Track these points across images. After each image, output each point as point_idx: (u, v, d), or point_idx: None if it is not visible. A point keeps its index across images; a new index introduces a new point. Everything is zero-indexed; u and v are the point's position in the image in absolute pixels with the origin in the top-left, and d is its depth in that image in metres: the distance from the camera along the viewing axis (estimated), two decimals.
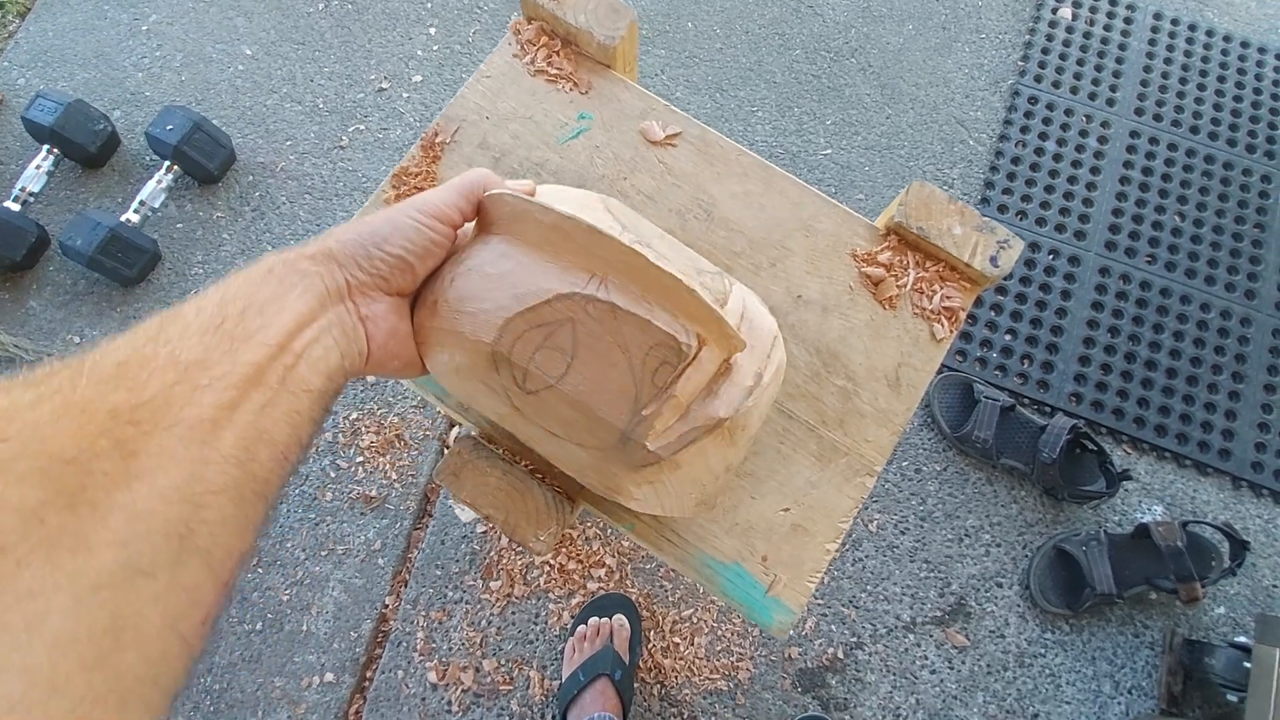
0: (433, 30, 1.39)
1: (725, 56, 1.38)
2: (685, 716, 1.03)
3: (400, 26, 1.38)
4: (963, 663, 1.06)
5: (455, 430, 1.15)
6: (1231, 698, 0.96)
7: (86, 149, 1.21)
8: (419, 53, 1.37)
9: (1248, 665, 0.92)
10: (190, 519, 0.23)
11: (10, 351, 1.16)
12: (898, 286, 0.48)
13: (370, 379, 1.17)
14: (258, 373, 0.26)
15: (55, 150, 1.22)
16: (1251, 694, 0.88)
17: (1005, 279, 1.23)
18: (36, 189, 1.21)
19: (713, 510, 0.41)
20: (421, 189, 0.50)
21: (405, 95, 1.34)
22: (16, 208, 1.19)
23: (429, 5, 1.40)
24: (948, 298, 0.47)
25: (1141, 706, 1.05)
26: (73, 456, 0.21)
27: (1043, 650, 1.07)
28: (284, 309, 0.28)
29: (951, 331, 0.47)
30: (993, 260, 0.46)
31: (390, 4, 1.40)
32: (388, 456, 1.13)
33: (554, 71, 0.51)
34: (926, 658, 1.07)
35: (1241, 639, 0.98)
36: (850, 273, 0.48)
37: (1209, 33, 1.40)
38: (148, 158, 1.27)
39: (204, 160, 1.21)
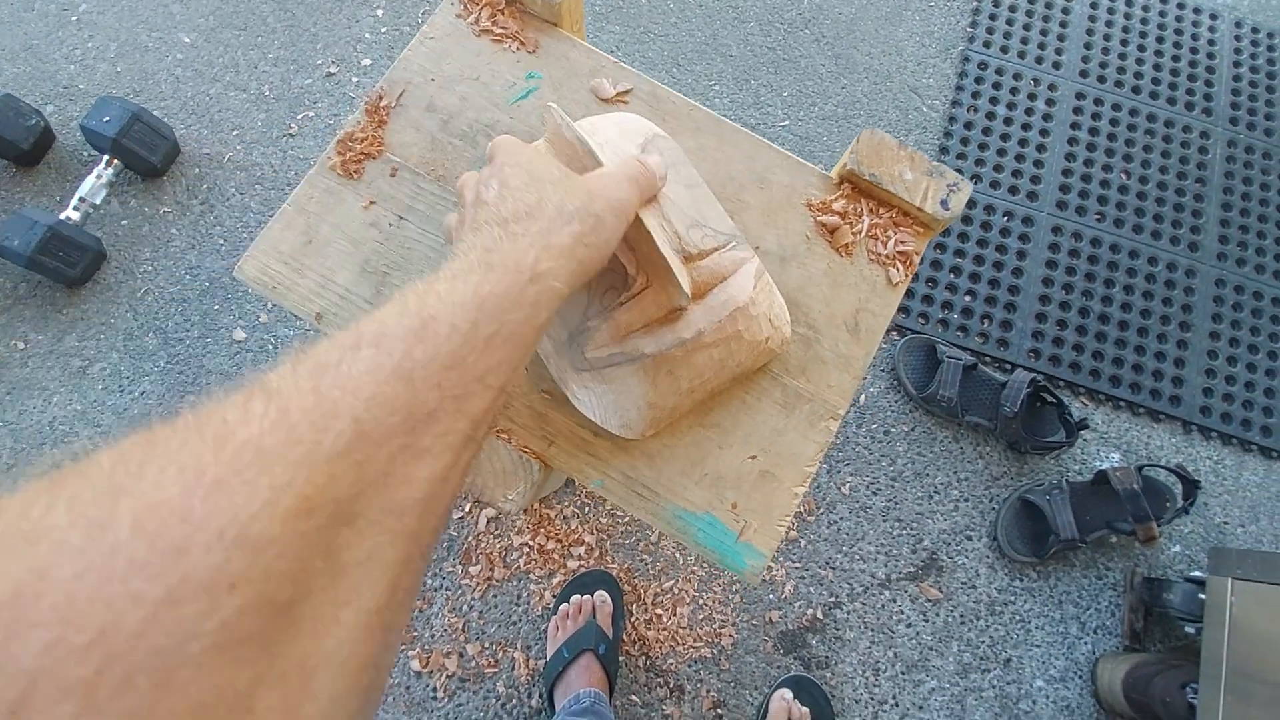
0: (380, 12, 1.35)
1: (680, 31, 1.37)
2: (671, 685, 1.04)
3: (346, 9, 1.35)
4: (937, 615, 1.09)
5: None
6: (1189, 629, 1.01)
7: (19, 145, 1.16)
8: (367, 35, 1.33)
9: (1203, 597, 0.96)
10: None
11: None
12: (853, 234, 0.48)
13: None
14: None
15: None
16: (1207, 623, 0.92)
17: (963, 241, 1.25)
18: None
19: (637, 438, 0.43)
20: (368, 154, 0.49)
21: (355, 80, 1.30)
22: None
23: None
24: (901, 242, 0.48)
25: (1107, 645, 1.09)
26: None
27: (1012, 598, 1.11)
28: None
29: (906, 275, 0.48)
30: (943, 203, 0.47)
31: None
32: None
33: (499, 31, 0.50)
34: (902, 612, 1.09)
35: (1196, 573, 1.03)
36: (806, 222, 0.49)
37: None
38: (85, 153, 1.22)
39: (145, 153, 1.16)
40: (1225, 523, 1.15)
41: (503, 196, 0.31)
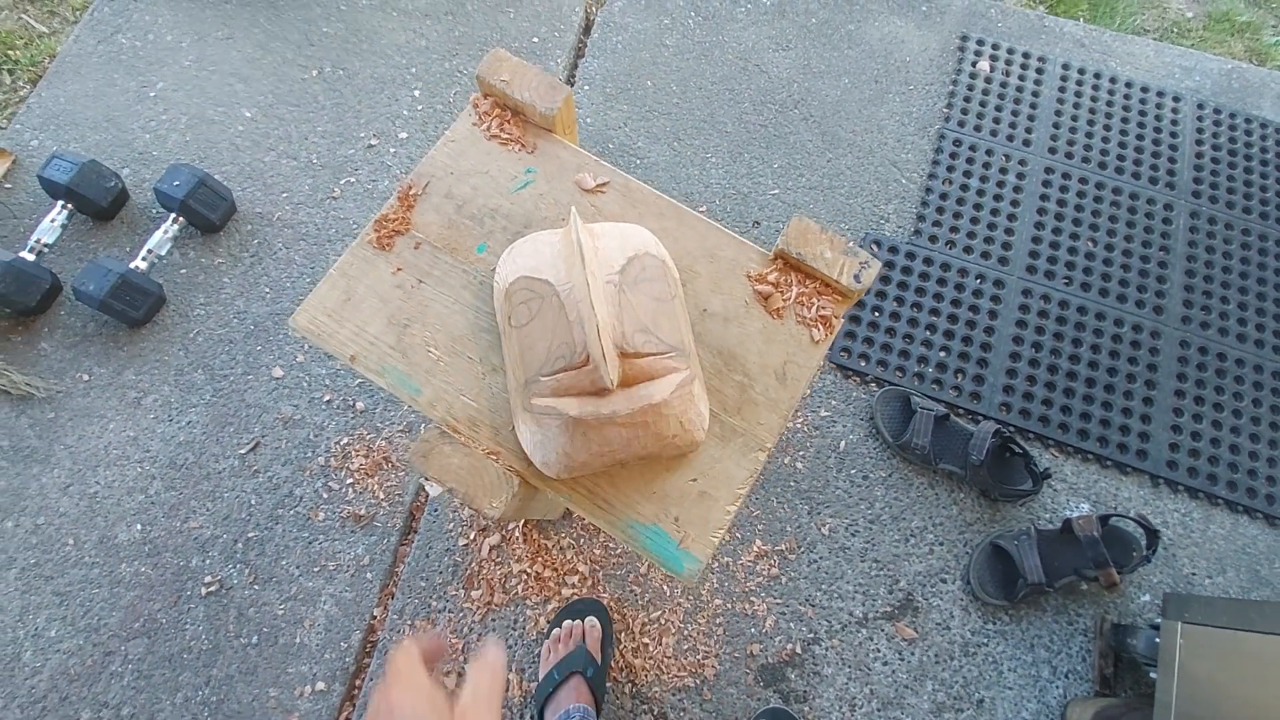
0: (417, 93, 1.53)
1: (681, 110, 1.53)
2: (656, 713, 1.10)
3: (388, 89, 1.53)
4: (912, 654, 1.15)
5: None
6: (1153, 675, 1.05)
7: (99, 204, 1.33)
8: (404, 112, 1.51)
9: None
10: None
11: (23, 390, 1.25)
12: (783, 300, 0.59)
13: (360, 406, 1.27)
14: None
15: (69, 205, 1.34)
16: (1159, 667, 0.97)
17: (938, 300, 1.36)
18: (50, 240, 1.33)
19: (552, 478, 0.55)
20: (399, 233, 0.61)
21: (392, 150, 1.47)
22: (31, 258, 1.30)
23: (413, 70, 1.55)
24: (823, 308, 0.59)
25: (1078, 689, 1.13)
26: None
27: (985, 640, 1.16)
28: None
29: (827, 335, 0.59)
30: (856, 277, 0.58)
31: (378, 69, 1.55)
32: (376, 478, 1.22)
33: (505, 136, 0.64)
34: (879, 650, 1.15)
35: (1158, 620, 1.08)
36: (746, 290, 0.60)
37: (1112, 79, 1.57)
38: (154, 210, 1.39)
39: (207, 212, 1.33)
40: (1193, 574, 1.19)
41: None
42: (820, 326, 0.58)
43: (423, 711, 0.39)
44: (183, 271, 1.36)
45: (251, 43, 1.57)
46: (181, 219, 1.34)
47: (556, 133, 0.65)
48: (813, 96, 1.55)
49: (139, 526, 1.18)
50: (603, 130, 1.51)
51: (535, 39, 1.59)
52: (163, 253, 1.32)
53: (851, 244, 0.59)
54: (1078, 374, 1.30)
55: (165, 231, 1.32)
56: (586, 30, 1.65)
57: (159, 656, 1.11)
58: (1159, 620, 1.09)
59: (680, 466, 0.55)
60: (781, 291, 0.59)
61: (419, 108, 1.52)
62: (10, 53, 1.56)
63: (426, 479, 0.54)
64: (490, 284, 0.60)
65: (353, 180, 1.44)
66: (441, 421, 0.56)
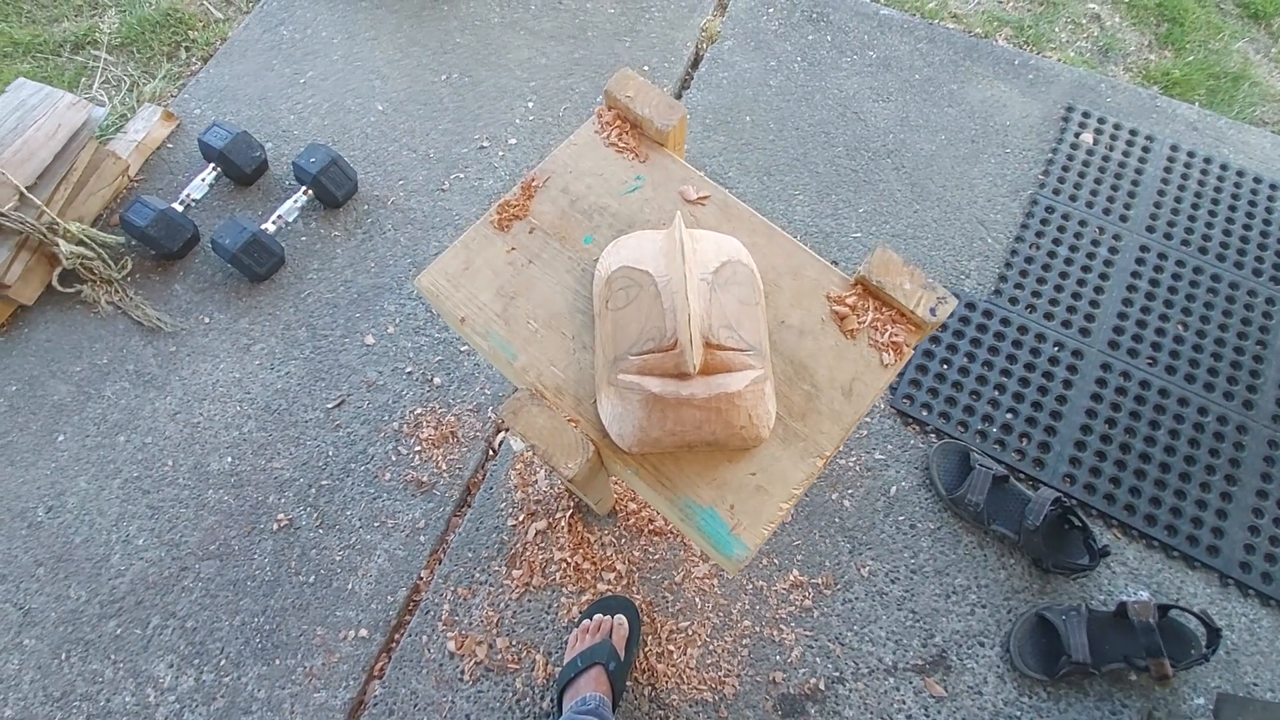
0: (531, 104, 1.65)
1: (776, 147, 1.59)
2: None
3: (505, 99, 1.66)
4: (939, 713, 1.12)
5: (501, 435, 1.32)
6: None
7: (244, 170, 1.50)
8: (517, 121, 1.63)
9: None
10: None
11: (153, 323, 1.41)
12: (858, 322, 0.63)
13: (437, 381, 1.36)
14: None
15: (219, 168, 1.51)
16: None
17: (1011, 362, 1.34)
18: (198, 196, 1.50)
19: (624, 450, 0.59)
20: (518, 217, 0.69)
21: (501, 154, 1.59)
22: (180, 209, 1.47)
23: (531, 84, 1.68)
24: (895, 335, 0.62)
25: None
26: None
27: (1018, 713, 1.12)
28: None
29: (897, 360, 0.62)
30: (932, 310, 0.61)
31: (500, 80, 1.68)
32: (441, 450, 1.30)
33: (622, 145, 0.71)
34: (904, 702, 1.13)
35: None
36: (824, 309, 0.64)
37: (1223, 166, 1.54)
38: (288, 182, 1.55)
39: (334, 189, 1.47)
40: (1255, 684, 1.12)
41: None
42: (891, 352, 0.62)
43: None
44: (303, 239, 1.50)
45: (394, 45, 1.74)
46: (311, 192, 1.48)
47: (668, 148, 0.71)
48: (907, 148, 1.58)
49: (229, 459, 1.30)
50: (698, 159, 1.58)
51: (646, 67, 1.69)
52: (290, 219, 1.46)
53: (931, 280, 0.62)
54: (1152, 457, 1.26)
55: (295, 201, 1.47)
56: (695, 64, 1.74)
57: (226, 579, 1.21)
58: None
59: (741, 459, 0.59)
60: (858, 314, 0.63)
61: (530, 118, 1.63)
62: (190, 33, 1.78)
63: (512, 434, 0.60)
64: (591, 272, 0.66)
65: (462, 176, 1.56)
66: (532, 386, 0.62)
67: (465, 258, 0.67)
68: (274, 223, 1.45)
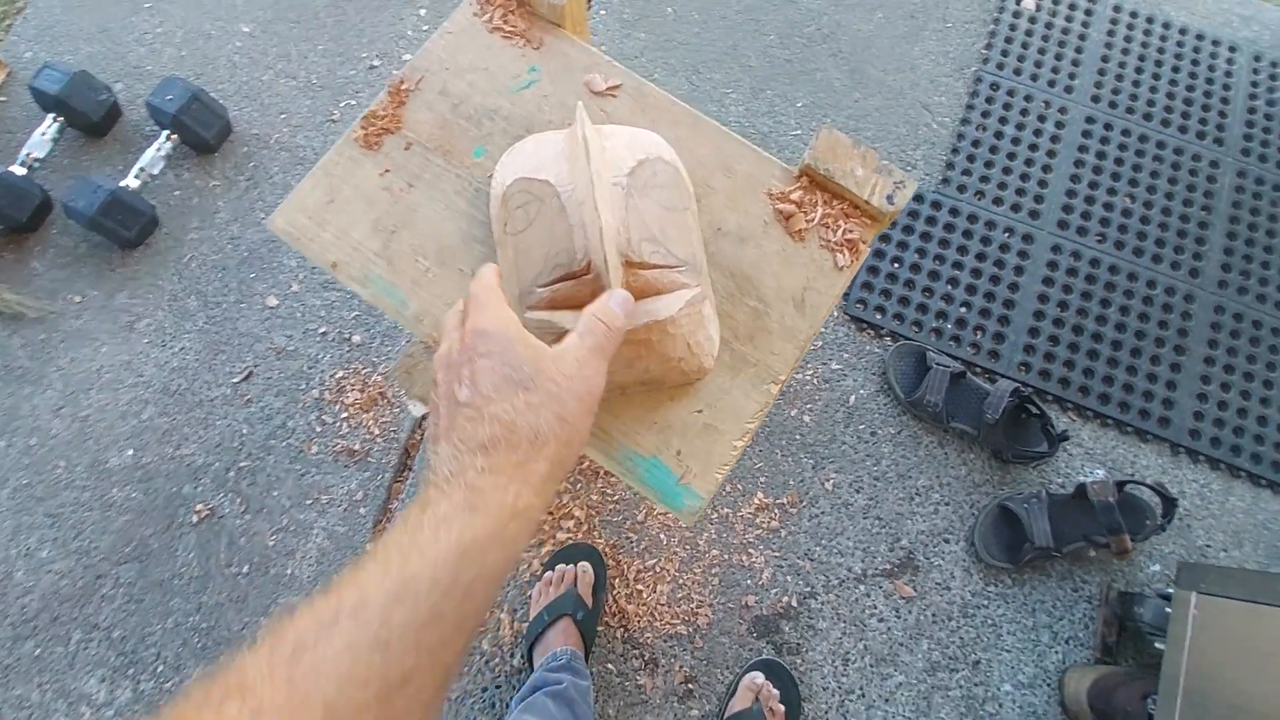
0: (423, 11, 1.45)
1: (702, 40, 1.44)
2: (646, 658, 1.09)
3: (392, 7, 1.44)
4: (909, 612, 1.13)
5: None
6: (1159, 645, 1.02)
7: (90, 117, 1.27)
8: (409, 32, 1.43)
9: (1169, 611, 0.98)
10: None
11: (14, 309, 1.22)
12: (806, 221, 0.54)
13: (356, 339, 1.23)
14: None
15: (60, 118, 1.28)
16: (1169, 636, 0.94)
17: (962, 254, 1.29)
18: (42, 155, 1.28)
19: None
20: (388, 131, 0.56)
21: (396, 73, 1.39)
22: (22, 171, 1.25)
23: None
24: (849, 231, 0.53)
25: (1078, 656, 1.11)
26: None
27: (985, 602, 1.13)
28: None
29: (853, 260, 0.53)
30: (889, 198, 0.53)
31: None
32: (371, 413, 1.19)
33: (509, 29, 0.57)
34: (875, 607, 1.13)
35: (1169, 590, 1.05)
36: (765, 209, 0.54)
37: (1165, 25, 1.47)
38: (148, 128, 1.33)
39: (201, 130, 1.27)
40: (1208, 546, 1.16)
41: (477, 412, 0.33)
42: (845, 251, 0.53)
43: (515, 333, 0.35)
44: (176, 193, 1.30)
45: None
46: (175, 136, 1.28)
47: (565, 28, 0.59)
48: (843, 30, 1.45)
49: (131, 451, 1.16)
50: (618, 60, 1.42)
51: None
52: (155, 171, 1.26)
53: (885, 162, 0.53)
54: (1103, 336, 1.24)
55: (158, 149, 1.27)
56: None
57: (150, 581, 1.10)
58: (1169, 590, 1.06)
59: (685, 396, 0.51)
60: (805, 212, 0.54)
61: (424, 28, 1.43)
62: None
63: (410, 398, 0.50)
64: (486, 191, 0.55)
65: (353, 103, 1.37)
66: (428, 338, 0.52)
67: (328, 187, 0.55)
68: (136, 177, 1.25)
